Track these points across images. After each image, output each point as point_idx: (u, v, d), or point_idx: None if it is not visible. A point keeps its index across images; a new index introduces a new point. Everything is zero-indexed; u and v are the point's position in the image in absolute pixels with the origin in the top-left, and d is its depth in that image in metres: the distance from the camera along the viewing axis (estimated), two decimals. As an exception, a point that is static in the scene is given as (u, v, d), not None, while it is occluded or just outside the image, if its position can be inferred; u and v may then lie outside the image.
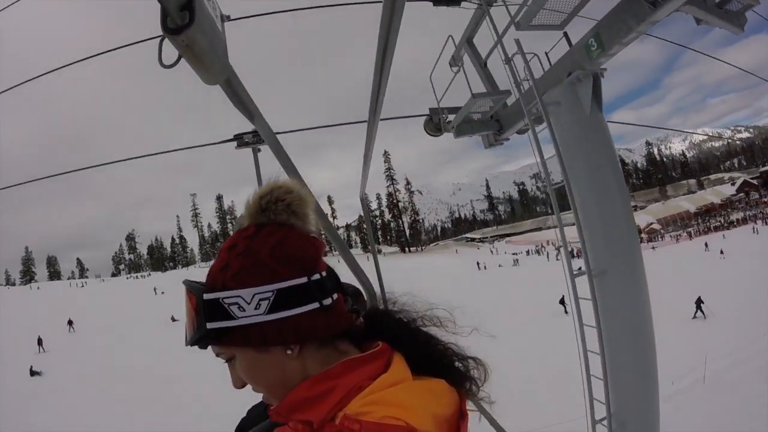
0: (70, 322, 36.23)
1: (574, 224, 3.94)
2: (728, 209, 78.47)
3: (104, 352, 29.24)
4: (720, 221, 73.16)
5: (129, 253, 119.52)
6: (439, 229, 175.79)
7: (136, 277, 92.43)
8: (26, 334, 34.43)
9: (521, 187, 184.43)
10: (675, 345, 14.62)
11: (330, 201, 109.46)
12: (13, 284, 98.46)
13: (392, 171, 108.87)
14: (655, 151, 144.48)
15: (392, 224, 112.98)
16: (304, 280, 0.83)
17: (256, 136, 4.44)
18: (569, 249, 3.82)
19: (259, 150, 4.80)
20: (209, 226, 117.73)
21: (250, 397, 1.04)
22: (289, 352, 0.83)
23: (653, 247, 58.52)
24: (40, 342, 32.10)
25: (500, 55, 3.96)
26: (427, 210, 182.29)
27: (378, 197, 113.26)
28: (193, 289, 0.84)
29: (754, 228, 59.30)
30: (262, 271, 0.82)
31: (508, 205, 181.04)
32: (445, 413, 0.80)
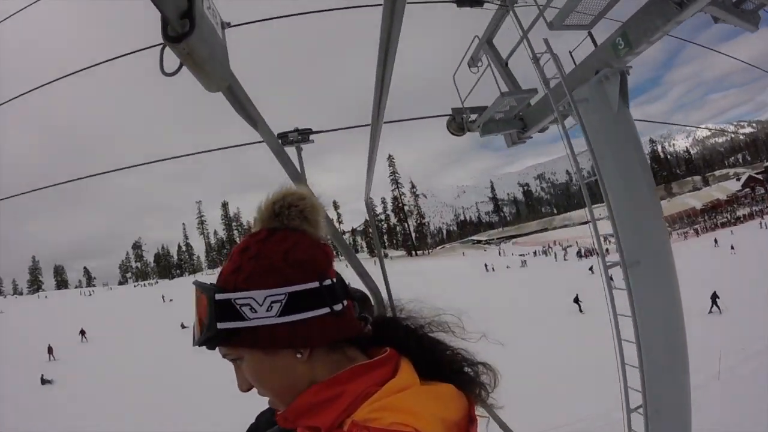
0: (82, 332, 36.37)
1: (596, 219, 4.05)
2: (734, 205, 77.96)
3: (115, 360, 29.38)
4: (726, 217, 72.62)
5: (136, 262, 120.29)
6: (444, 232, 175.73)
7: (144, 285, 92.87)
8: (36, 343, 34.57)
9: (526, 188, 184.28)
10: (692, 340, 14.56)
11: (335, 206, 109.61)
12: (21, 293, 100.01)
13: (397, 174, 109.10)
14: (659, 148, 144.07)
15: (398, 228, 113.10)
16: (315, 284, 0.84)
17: (302, 134, 4.44)
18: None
19: (301, 149, 4.65)
20: (215, 233, 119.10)
21: (261, 403, 1.05)
22: (298, 355, 0.83)
23: (662, 245, 58.03)
24: (50, 350, 32.18)
25: (528, 53, 4.07)
26: (432, 213, 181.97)
27: (383, 201, 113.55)
28: (204, 289, 0.85)
29: (761, 223, 58.84)
30: (274, 274, 0.83)
31: (513, 206, 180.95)
32: (453, 418, 0.80)
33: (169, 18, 0.80)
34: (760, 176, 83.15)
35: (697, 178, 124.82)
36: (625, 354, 3.83)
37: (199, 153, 5.36)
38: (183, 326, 37.78)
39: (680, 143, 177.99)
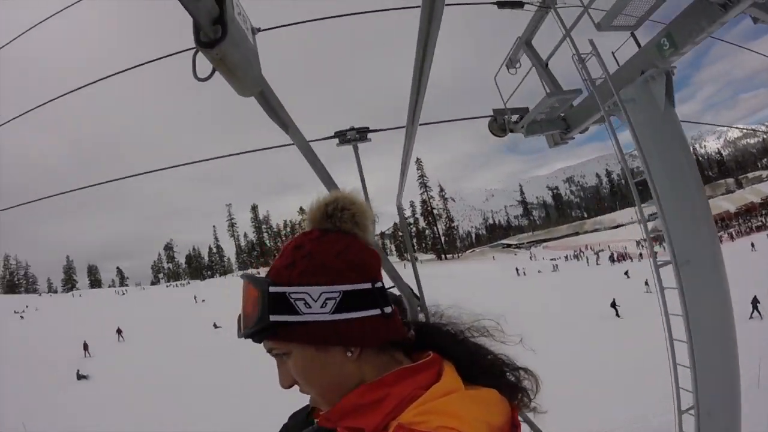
0: (119, 331, 37.28)
1: (640, 220, 4.05)
2: (769, 208, 74.75)
3: (148, 358, 29.83)
4: (761, 221, 69.71)
5: (167, 263, 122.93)
6: (473, 235, 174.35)
7: (176, 285, 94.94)
8: (71, 340, 35.37)
9: (555, 191, 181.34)
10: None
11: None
12: (55, 291, 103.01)
13: (425, 178, 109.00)
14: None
15: (427, 231, 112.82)
16: (368, 285, 0.86)
17: (360, 133, 4.42)
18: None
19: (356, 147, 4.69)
20: (245, 235, 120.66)
21: (300, 401, 1.05)
22: (349, 354, 0.83)
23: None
24: (85, 347, 32.88)
25: (572, 53, 4.12)
26: (461, 217, 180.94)
27: (411, 204, 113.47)
28: (256, 281, 0.85)
29: (798, 227, 56.30)
30: (328, 272, 0.83)
31: (543, 210, 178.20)
32: (497, 423, 0.79)
33: (201, 24, 0.82)
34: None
35: (730, 180, 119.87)
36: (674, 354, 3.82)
37: (230, 155, 5.29)
38: (216, 326, 38.42)
39: (711, 145, 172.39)
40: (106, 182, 5.04)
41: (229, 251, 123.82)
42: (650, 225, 4.16)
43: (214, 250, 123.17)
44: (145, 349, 32.40)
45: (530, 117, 4.83)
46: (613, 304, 27.28)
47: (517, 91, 5.19)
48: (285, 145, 3.56)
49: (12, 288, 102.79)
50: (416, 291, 2.20)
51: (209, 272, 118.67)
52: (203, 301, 60.35)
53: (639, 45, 4.15)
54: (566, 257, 73.34)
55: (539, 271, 59.45)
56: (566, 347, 20.34)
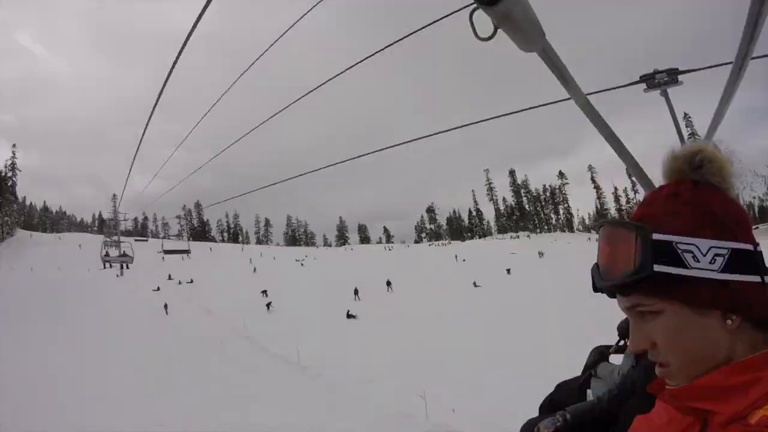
0: (388, 283, 40.18)
1: None
2: None
3: (411, 306, 30.85)
4: None
5: (429, 224, 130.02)
6: (756, 208, 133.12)
7: (438, 244, 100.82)
8: (341, 285, 39.66)
9: None
10: None
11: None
12: (330, 245, 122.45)
13: (696, 137, 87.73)
14: None
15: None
16: (750, 247, 0.72)
17: (670, 75, 3.99)
18: None
19: (666, 93, 4.28)
20: (503, 199, 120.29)
21: None
22: (728, 322, 0.70)
23: None
24: (356, 292, 36.24)
25: None
26: (738, 184, 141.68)
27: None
28: (635, 227, 0.74)
29: None
30: (715, 225, 0.72)
31: None
32: None
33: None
34: None
35: None
36: None
37: (493, 118, 4.49)
38: (475, 285, 38.35)
39: None
40: (375, 151, 5.42)
41: (488, 215, 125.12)
42: None
43: (474, 213, 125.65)
44: (408, 299, 33.62)
45: None
46: None
47: None
48: (560, 101, 3.29)
49: (293, 242, 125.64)
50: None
51: (469, 234, 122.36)
52: (464, 260, 61.93)
53: None
54: None
55: None
56: None
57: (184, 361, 20.62)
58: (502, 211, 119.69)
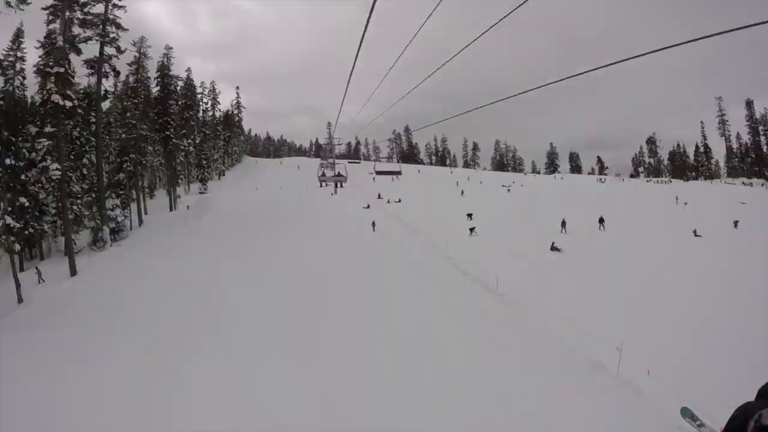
0: (601, 220, 37.20)
1: None
2: None
3: (621, 248, 28.58)
4: None
5: (649, 157, 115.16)
6: None
7: (657, 181, 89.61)
8: (548, 216, 38.28)
9: None
10: None
11: None
12: (538, 173, 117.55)
13: None
14: None
15: None
16: None
17: None
18: None
19: None
20: (738, 136, 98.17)
21: None
22: None
23: None
24: (563, 224, 34.14)
25: None
26: None
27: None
28: None
29: None
30: None
31: None
32: None
33: None
34: None
35: None
36: None
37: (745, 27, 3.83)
38: (695, 234, 33.33)
39: None
40: (595, 69, 5.25)
41: (718, 153, 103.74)
42: None
43: (701, 149, 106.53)
44: (619, 241, 30.98)
45: None
46: None
47: None
48: None
49: (501, 167, 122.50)
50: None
51: (693, 173, 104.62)
52: (685, 204, 53.95)
53: None
54: None
55: None
56: None
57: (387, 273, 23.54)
58: (734, 150, 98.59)
